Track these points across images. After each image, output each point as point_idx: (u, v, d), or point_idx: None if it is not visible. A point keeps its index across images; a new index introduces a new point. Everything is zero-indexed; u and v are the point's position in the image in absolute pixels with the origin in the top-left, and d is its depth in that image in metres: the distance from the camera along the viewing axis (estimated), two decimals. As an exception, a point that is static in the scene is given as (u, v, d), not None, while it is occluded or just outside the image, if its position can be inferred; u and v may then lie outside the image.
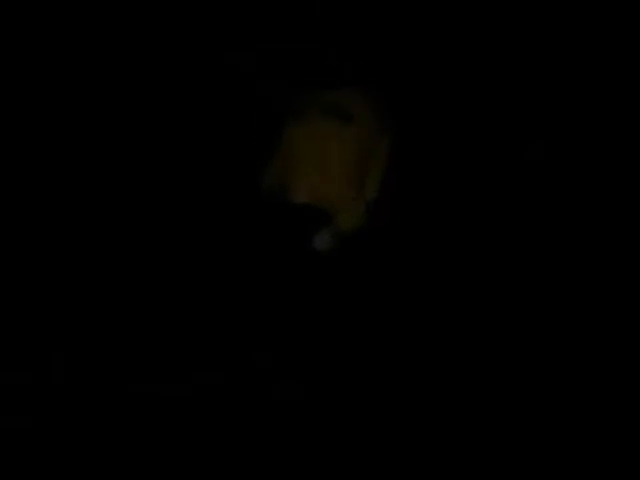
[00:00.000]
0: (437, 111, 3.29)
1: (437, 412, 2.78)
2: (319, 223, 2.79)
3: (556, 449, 2.74)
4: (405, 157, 3.23)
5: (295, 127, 2.60)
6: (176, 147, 3.35)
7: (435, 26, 3.31)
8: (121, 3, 3.40)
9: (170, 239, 3.19)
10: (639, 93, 3.19)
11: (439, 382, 2.85)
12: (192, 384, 2.88)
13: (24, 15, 3.41)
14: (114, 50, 3.40)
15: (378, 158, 2.66)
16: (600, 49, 3.22)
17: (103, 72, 3.40)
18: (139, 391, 2.86)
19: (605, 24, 3.22)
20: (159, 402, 2.83)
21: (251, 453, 2.74)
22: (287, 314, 3.02)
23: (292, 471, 2.71)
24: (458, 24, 3.30)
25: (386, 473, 2.63)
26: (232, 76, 3.40)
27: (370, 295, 3.04)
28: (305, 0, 3.36)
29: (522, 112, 3.25)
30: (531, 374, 2.89)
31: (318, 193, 2.61)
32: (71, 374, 2.90)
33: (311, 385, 2.88)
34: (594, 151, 3.19)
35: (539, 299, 3.02)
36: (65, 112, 3.39)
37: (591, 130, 3.21)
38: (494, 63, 3.28)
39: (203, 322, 3.01)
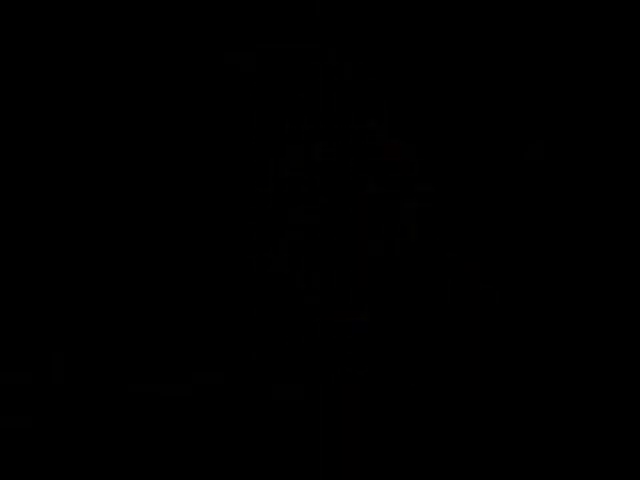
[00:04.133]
0: (436, 111, 3.29)
1: (438, 412, 2.78)
2: None
3: (556, 449, 2.74)
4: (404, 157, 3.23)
5: None
6: (175, 147, 3.35)
7: (435, 25, 3.31)
8: (121, 3, 3.40)
9: (170, 239, 3.19)
10: (639, 93, 3.19)
11: (440, 381, 2.85)
12: (192, 384, 2.88)
13: (24, 15, 3.41)
14: (113, 50, 3.40)
15: None
16: (600, 49, 3.22)
17: (102, 72, 3.40)
18: (139, 391, 2.86)
19: (605, 24, 3.22)
20: (159, 402, 2.83)
21: (251, 453, 2.74)
22: (287, 314, 3.02)
23: (292, 471, 2.71)
24: (458, 23, 3.30)
25: (386, 473, 2.63)
26: (232, 76, 3.40)
27: (369, 294, 3.04)
28: (305, 0, 3.36)
29: (522, 112, 3.25)
30: (531, 374, 2.89)
31: None
32: (71, 374, 2.90)
33: (311, 385, 2.88)
34: (594, 151, 3.19)
35: (539, 298, 3.02)
36: (63, 111, 3.38)
37: (591, 130, 3.21)
38: (494, 63, 3.28)
39: (203, 322, 3.01)
